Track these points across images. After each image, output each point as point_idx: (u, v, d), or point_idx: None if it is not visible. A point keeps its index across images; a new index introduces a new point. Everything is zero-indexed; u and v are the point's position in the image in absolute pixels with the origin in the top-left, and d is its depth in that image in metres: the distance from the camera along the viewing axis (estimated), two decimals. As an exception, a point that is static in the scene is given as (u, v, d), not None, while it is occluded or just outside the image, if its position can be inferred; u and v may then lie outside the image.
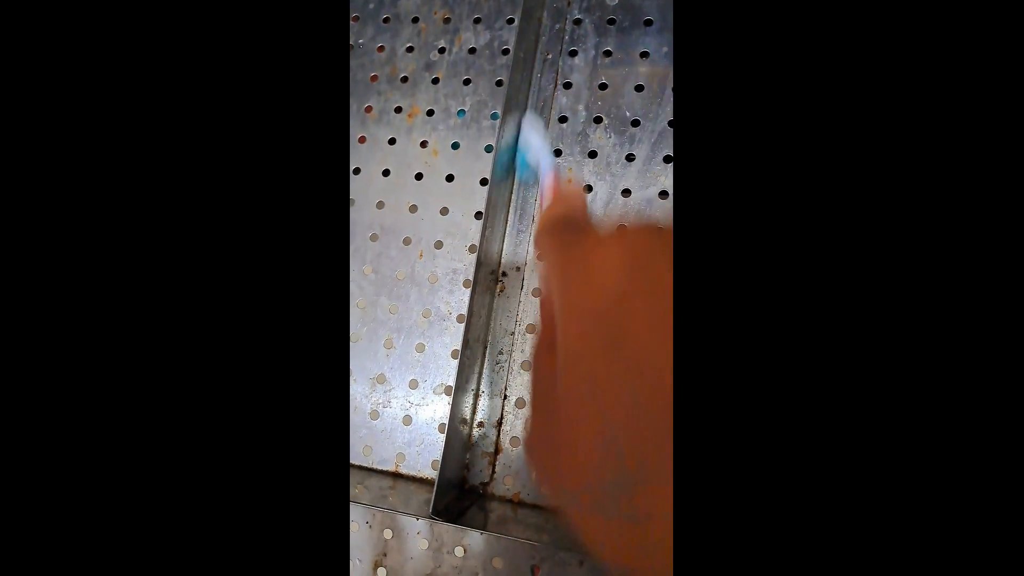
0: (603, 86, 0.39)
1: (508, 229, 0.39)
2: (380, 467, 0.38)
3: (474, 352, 0.36)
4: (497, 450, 0.36)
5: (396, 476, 0.38)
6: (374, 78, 0.43)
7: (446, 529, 0.34)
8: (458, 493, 0.35)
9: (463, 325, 0.38)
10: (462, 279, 0.39)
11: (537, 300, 0.37)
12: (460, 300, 0.39)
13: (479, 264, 0.34)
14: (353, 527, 0.35)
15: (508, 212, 0.39)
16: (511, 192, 0.39)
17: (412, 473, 0.37)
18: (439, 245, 0.40)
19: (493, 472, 0.36)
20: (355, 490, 0.35)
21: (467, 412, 0.36)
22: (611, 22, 0.40)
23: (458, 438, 0.35)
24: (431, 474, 0.37)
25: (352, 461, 0.38)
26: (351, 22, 0.44)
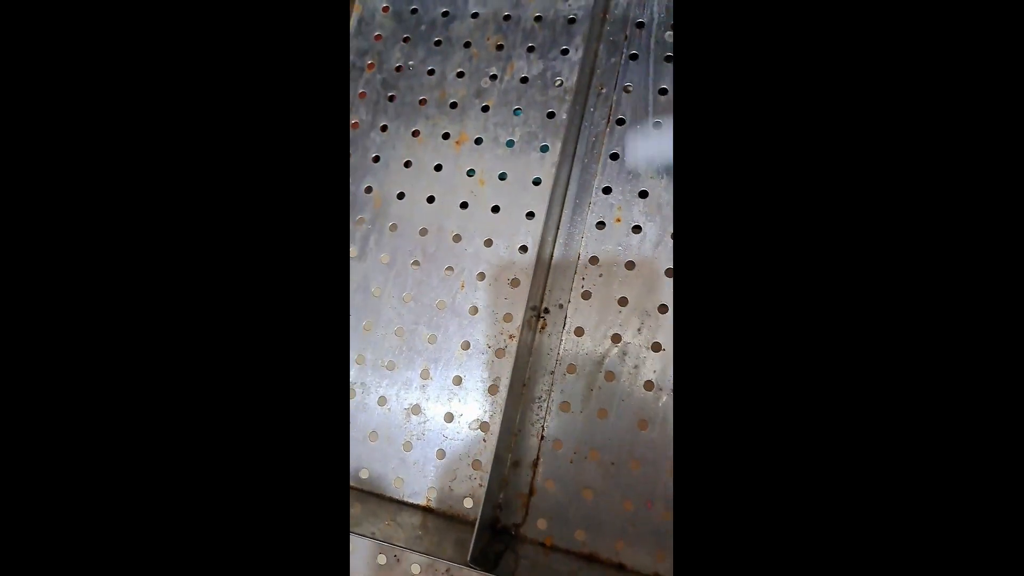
0: (657, 124, 0.38)
1: (553, 265, 0.38)
2: (411, 500, 0.37)
3: (514, 389, 0.35)
4: (531, 491, 0.36)
5: (427, 511, 0.37)
6: (423, 102, 0.43)
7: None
8: (491, 534, 0.35)
9: (502, 360, 0.38)
10: (503, 313, 0.38)
11: (579, 339, 0.37)
12: (499, 334, 0.38)
13: (525, 300, 0.34)
14: (380, 559, 0.35)
15: (553, 248, 0.38)
16: (557, 228, 0.39)
17: (443, 509, 0.37)
18: (481, 277, 0.39)
19: (526, 513, 0.36)
20: (386, 525, 0.35)
21: (503, 451, 0.36)
22: (668, 59, 0.39)
23: (496, 478, 0.34)
24: (462, 511, 0.37)
25: (384, 492, 0.38)
26: (403, 42, 0.44)
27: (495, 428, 0.37)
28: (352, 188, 0.43)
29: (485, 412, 0.37)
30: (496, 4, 0.43)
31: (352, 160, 0.43)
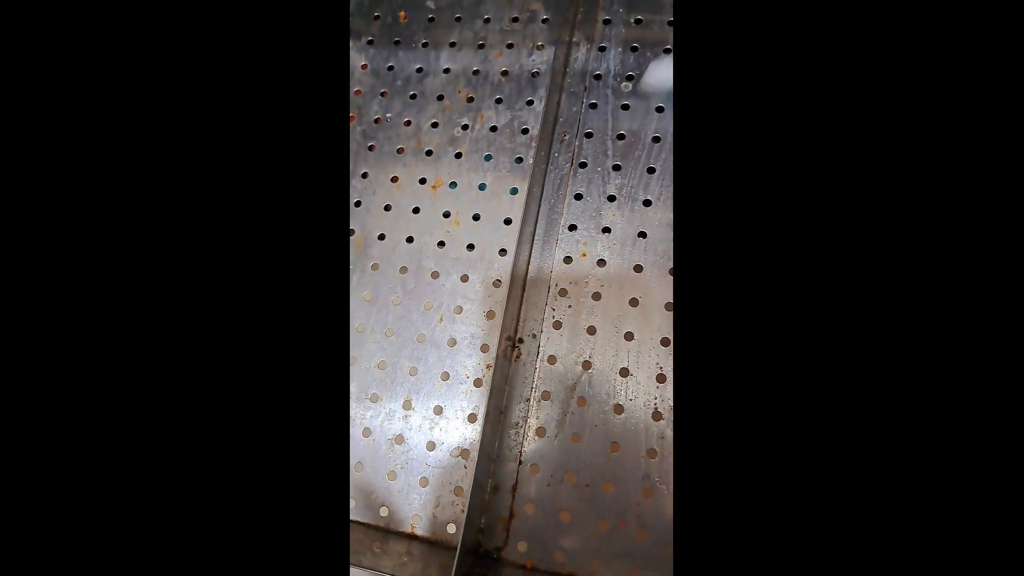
0: (616, 167, 0.42)
1: (525, 298, 0.41)
2: (398, 528, 0.39)
3: (491, 417, 0.37)
4: (511, 515, 0.37)
5: (412, 538, 0.38)
6: (400, 150, 0.46)
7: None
8: (473, 559, 0.36)
9: (480, 389, 0.40)
10: (479, 344, 0.41)
11: (552, 367, 0.39)
12: (477, 364, 0.40)
13: (499, 331, 0.36)
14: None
15: (525, 282, 0.41)
16: (528, 263, 0.41)
17: (427, 535, 0.38)
18: (459, 310, 0.42)
19: (507, 536, 0.37)
20: (373, 554, 0.36)
21: (483, 477, 0.37)
22: (625, 107, 0.43)
23: (476, 503, 0.36)
24: (446, 536, 0.38)
25: (371, 522, 0.39)
26: (381, 96, 0.48)
27: (474, 455, 0.39)
28: (335, 231, 0.45)
29: (465, 440, 0.39)
30: (466, 60, 0.47)
31: (335, 205, 0.46)
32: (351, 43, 0.49)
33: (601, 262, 0.40)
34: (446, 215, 0.44)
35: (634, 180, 0.41)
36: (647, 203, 0.41)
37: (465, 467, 0.39)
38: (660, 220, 0.40)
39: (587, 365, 0.39)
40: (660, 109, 0.42)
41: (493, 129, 0.45)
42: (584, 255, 0.41)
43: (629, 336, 0.38)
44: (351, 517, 0.40)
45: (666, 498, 0.36)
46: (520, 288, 0.41)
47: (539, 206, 0.42)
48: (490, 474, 0.38)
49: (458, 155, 0.45)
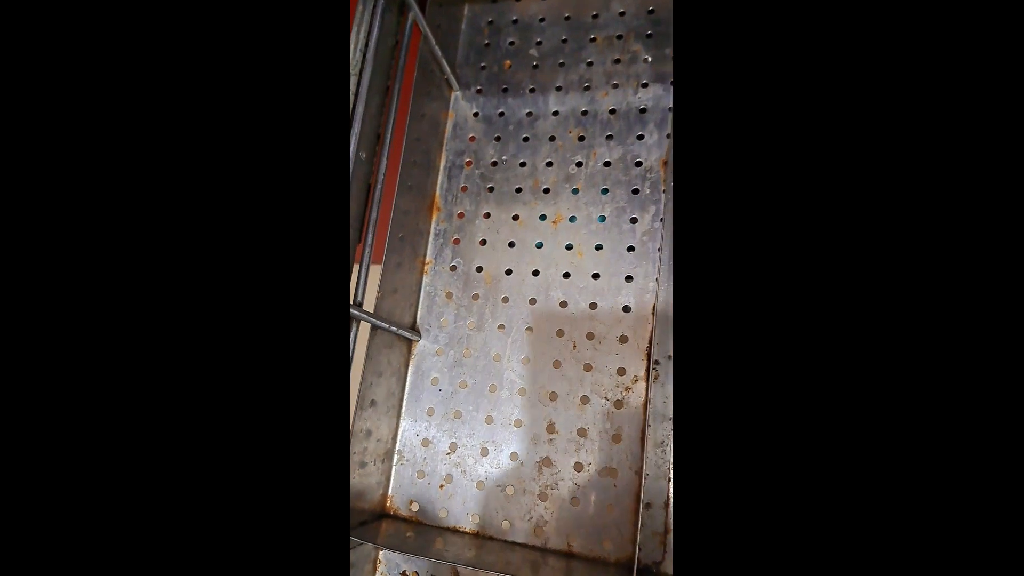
0: (733, 191, 0.44)
1: (656, 321, 0.43)
2: (555, 547, 0.41)
3: (632, 437, 0.39)
4: (666, 530, 0.39)
5: (569, 556, 0.40)
6: (519, 190, 0.49)
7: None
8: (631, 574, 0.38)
9: (620, 411, 0.42)
10: (616, 367, 0.43)
11: (690, 386, 0.41)
12: (613, 386, 0.43)
13: (635, 354, 0.38)
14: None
15: (655, 304, 0.43)
16: (656, 288, 0.44)
17: (584, 552, 0.40)
18: (590, 336, 0.44)
19: (664, 551, 0.39)
20: (542, 570, 0.38)
21: (635, 494, 0.39)
22: (733, 135, 0.45)
23: (632, 520, 0.38)
24: (601, 552, 0.40)
25: (526, 542, 0.41)
26: (494, 141, 0.51)
27: (622, 473, 0.41)
28: (464, 268, 0.49)
29: (612, 459, 0.41)
30: (573, 102, 0.50)
31: (461, 244, 0.49)
32: (460, 93, 0.53)
33: (729, 283, 0.42)
34: (568, 248, 0.47)
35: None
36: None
37: (614, 485, 0.41)
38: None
39: (724, 382, 0.40)
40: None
41: (607, 164, 0.48)
42: (712, 278, 0.43)
43: (763, 353, 0.40)
44: (512, 539, 0.42)
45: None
46: (651, 311, 0.43)
47: (663, 232, 0.44)
48: (639, 491, 0.40)
49: (575, 191, 0.48)
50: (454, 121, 0.53)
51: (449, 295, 0.49)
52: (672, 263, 0.44)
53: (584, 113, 0.50)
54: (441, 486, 0.45)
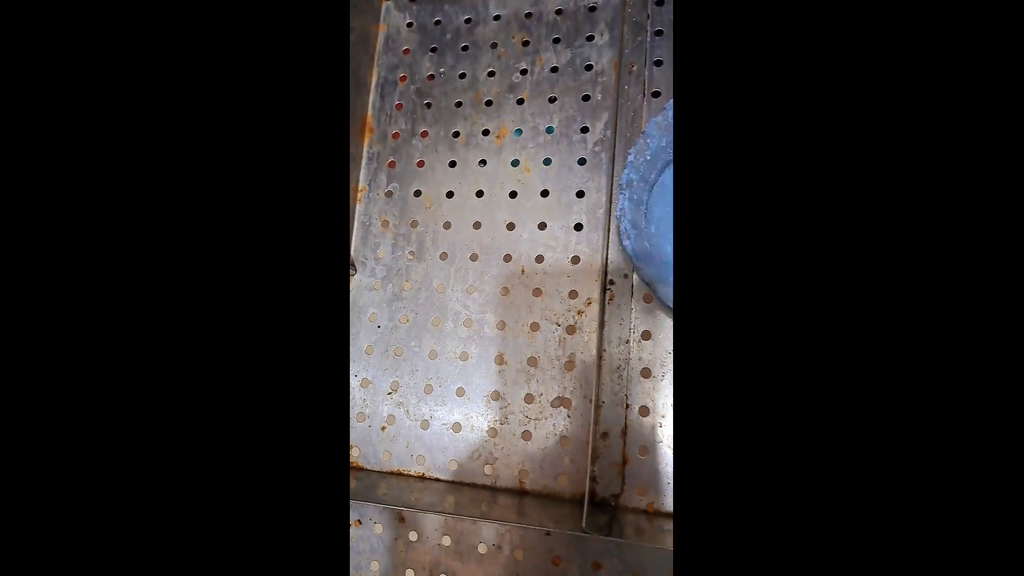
0: (692, 92, 0.40)
1: (610, 236, 0.39)
2: (505, 485, 0.38)
3: (587, 363, 0.36)
4: (624, 460, 0.36)
5: (522, 493, 0.37)
6: (459, 104, 0.44)
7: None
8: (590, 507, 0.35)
9: (573, 336, 0.38)
10: (567, 290, 0.39)
11: (650, 305, 0.37)
12: (565, 311, 0.39)
13: (588, 275, 0.35)
14: (497, 550, 0.35)
15: (609, 220, 0.39)
16: (609, 203, 0.40)
17: (537, 489, 0.37)
18: (540, 259, 0.40)
19: (623, 483, 0.36)
20: (493, 510, 0.35)
21: (589, 424, 0.36)
22: (692, 30, 0.41)
23: (592, 451, 0.34)
24: (556, 488, 0.37)
25: (475, 481, 0.38)
26: (430, 52, 0.46)
27: (576, 403, 0.37)
28: (401, 193, 0.44)
29: (564, 388, 0.38)
30: (516, 4, 0.45)
31: (397, 167, 0.45)
32: (392, 2, 0.48)
33: (688, 192, 0.38)
34: (515, 164, 0.42)
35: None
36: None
37: (567, 416, 0.37)
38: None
39: (685, 300, 0.37)
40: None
41: (554, 70, 0.43)
42: (670, 186, 0.39)
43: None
44: (458, 479, 0.38)
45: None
46: (604, 229, 0.39)
47: (615, 143, 0.40)
48: (595, 420, 0.37)
49: (520, 101, 0.43)
50: (386, 34, 0.47)
51: (385, 223, 0.44)
52: (623, 176, 0.40)
53: (528, 16, 0.44)
54: (383, 428, 0.41)
